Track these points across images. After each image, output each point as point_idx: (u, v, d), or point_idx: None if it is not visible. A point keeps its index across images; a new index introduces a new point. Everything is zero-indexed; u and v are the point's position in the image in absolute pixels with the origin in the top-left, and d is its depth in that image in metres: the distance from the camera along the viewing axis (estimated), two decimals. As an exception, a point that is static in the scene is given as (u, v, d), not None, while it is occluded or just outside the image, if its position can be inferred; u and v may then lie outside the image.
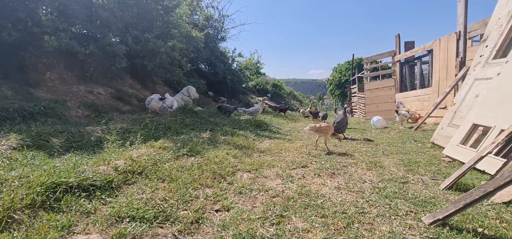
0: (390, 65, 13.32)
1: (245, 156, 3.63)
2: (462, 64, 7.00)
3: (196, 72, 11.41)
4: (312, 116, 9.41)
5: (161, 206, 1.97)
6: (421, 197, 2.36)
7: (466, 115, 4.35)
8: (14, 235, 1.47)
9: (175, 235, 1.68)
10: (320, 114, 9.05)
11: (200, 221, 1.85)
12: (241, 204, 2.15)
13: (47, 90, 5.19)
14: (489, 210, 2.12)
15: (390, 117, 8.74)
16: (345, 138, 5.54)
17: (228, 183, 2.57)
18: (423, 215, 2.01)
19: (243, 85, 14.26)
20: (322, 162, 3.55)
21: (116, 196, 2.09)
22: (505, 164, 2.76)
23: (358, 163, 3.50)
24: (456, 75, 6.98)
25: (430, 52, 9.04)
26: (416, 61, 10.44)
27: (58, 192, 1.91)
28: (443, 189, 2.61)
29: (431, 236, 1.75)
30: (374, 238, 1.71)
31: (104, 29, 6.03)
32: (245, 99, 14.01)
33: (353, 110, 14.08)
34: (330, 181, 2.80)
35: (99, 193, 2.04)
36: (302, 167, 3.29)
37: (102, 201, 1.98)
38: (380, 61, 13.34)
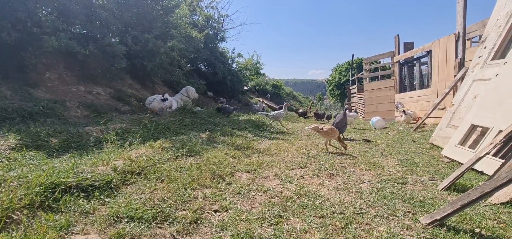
0: (389, 65, 13.34)
1: (244, 156, 3.64)
2: (461, 65, 7.01)
3: (195, 73, 11.41)
4: (315, 117, 9.40)
5: (160, 206, 1.97)
6: (419, 198, 2.37)
7: (464, 116, 4.36)
8: (13, 235, 1.48)
9: (174, 235, 1.69)
10: (326, 114, 9.04)
11: (199, 222, 1.86)
12: (240, 205, 2.16)
13: (46, 90, 5.19)
14: (487, 211, 2.13)
15: (389, 118, 8.75)
16: (344, 139, 5.55)
17: (226, 184, 2.58)
18: (421, 215, 2.02)
19: (245, 88, 14.28)
20: (321, 162, 3.56)
21: (114, 196, 2.09)
22: (503, 165, 2.77)
23: (357, 164, 3.51)
24: (455, 76, 6.99)
25: (429, 52, 9.05)
26: (415, 61, 10.44)
27: (57, 192, 1.91)
28: (441, 189, 2.61)
29: (428, 236, 1.75)
30: (372, 239, 1.72)
31: (104, 29, 6.04)
32: (245, 100, 14.02)
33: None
34: (329, 181, 2.80)
35: (97, 193, 2.05)
36: (301, 167, 3.29)
37: (101, 201, 1.99)
38: (380, 61, 13.36)
